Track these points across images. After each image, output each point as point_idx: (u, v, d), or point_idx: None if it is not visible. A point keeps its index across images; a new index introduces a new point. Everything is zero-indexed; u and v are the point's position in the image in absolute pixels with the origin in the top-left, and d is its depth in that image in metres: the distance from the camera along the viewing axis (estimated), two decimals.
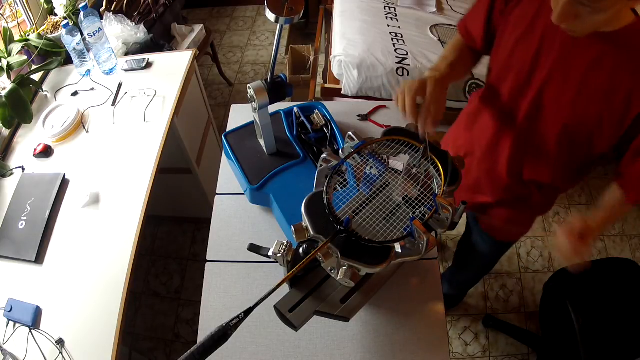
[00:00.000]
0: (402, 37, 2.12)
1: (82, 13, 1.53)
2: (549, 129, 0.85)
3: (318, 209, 0.80)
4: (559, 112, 0.82)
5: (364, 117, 1.35)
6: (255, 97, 1.02)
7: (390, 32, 2.13)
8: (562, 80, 0.80)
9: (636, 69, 0.73)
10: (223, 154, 1.26)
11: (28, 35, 1.68)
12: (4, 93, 1.46)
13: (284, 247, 0.74)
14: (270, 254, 0.74)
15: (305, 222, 0.79)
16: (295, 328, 0.79)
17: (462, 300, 1.99)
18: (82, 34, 1.59)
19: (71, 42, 1.56)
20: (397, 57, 2.00)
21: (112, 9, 1.96)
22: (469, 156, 1.07)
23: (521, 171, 0.97)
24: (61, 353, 1.03)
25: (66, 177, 1.36)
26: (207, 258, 1.08)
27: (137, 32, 1.91)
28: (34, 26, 1.74)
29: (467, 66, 1.00)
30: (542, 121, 0.85)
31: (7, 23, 1.64)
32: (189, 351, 0.62)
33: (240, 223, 1.14)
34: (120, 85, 1.64)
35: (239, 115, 1.35)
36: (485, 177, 1.05)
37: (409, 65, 2.02)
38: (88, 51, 1.66)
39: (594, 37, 0.75)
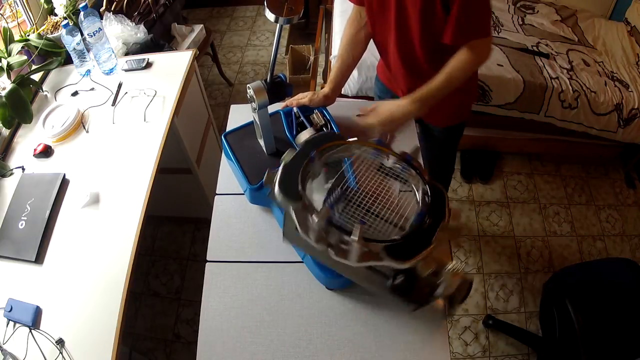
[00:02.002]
0: None
1: (82, 13, 1.53)
2: (413, 30, 1.19)
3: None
4: (414, 19, 1.16)
5: None
6: (254, 97, 1.02)
7: None
8: (402, 4, 1.15)
9: None
10: (223, 154, 1.26)
11: (28, 35, 1.68)
12: (4, 93, 1.46)
13: None
14: None
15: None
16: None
17: None
18: (82, 34, 1.59)
19: (71, 42, 1.56)
20: None
21: (112, 9, 1.96)
22: (387, 72, 1.47)
23: (412, 66, 1.30)
24: (61, 353, 1.03)
25: (66, 177, 1.37)
26: (207, 258, 1.08)
27: (137, 32, 1.91)
28: (34, 26, 1.74)
29: (362, 47, 1.38)
30: (409, 28, 1.20)
31: (7, 23, 1.64)
32: None
33: (240, 223, 1.14)
34: (120, 85, 1.64)
35: (239, 115, 1.35)
36: (401, 80, 1.39)
37: None
38: (88, 51, 1.66)
39: None
